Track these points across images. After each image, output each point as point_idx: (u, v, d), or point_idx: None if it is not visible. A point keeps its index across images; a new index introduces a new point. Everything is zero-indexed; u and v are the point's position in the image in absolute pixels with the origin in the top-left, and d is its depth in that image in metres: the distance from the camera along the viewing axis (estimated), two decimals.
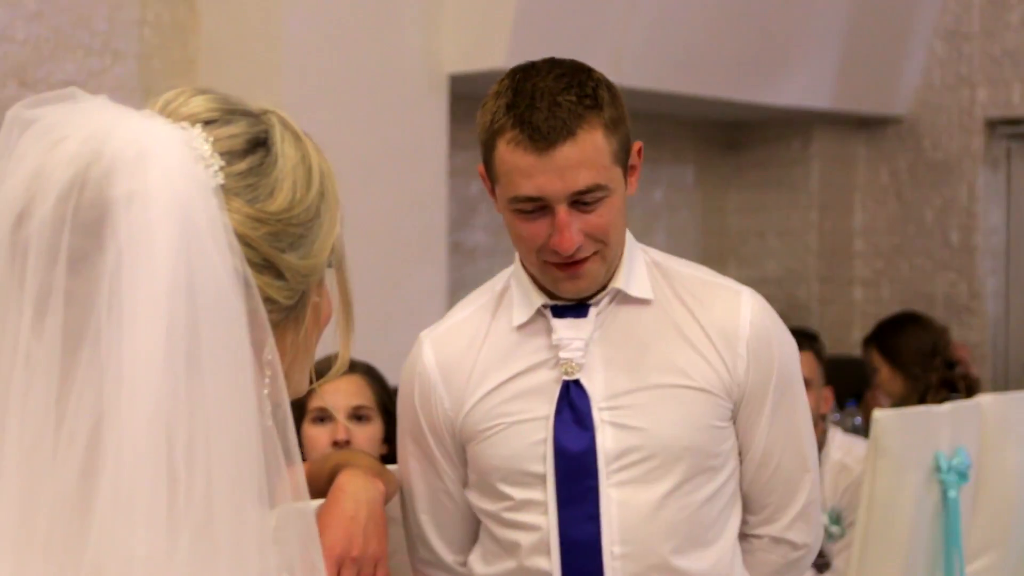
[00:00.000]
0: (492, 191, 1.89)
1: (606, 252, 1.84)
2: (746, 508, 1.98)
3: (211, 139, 1.00)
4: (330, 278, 1.10)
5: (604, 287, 1.89)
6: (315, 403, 2.52)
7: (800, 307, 6.33)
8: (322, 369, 1.17)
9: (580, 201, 1.80)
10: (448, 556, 1.99)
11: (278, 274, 1.03)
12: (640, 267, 1.92)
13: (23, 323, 0.93)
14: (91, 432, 0.91)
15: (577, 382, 1.86)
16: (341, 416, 2.55)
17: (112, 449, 0.90)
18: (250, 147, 1.03)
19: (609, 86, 1.85)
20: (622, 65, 5.18)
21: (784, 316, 2.05)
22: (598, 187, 1.80)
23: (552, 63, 1.84)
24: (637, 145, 1.89)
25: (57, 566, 0.91)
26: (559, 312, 1.89)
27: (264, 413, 0.96)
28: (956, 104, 6.37)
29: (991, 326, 6.38)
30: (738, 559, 1.97)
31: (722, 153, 6.68)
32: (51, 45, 4.33)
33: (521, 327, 1.90)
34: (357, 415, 2.58)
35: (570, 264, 1.82)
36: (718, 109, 5.87)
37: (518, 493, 1.88)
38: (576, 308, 1.89)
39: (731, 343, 1.89)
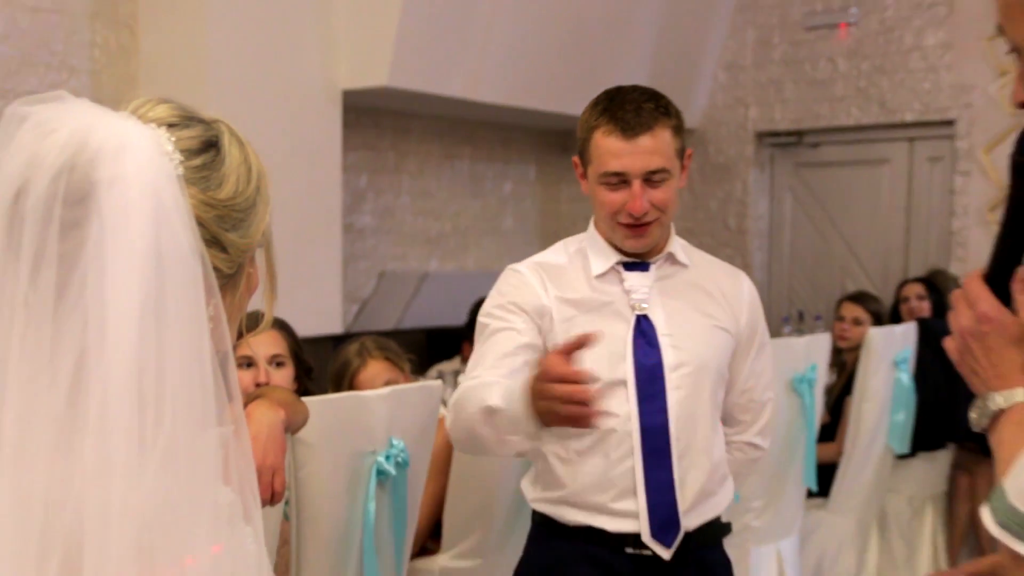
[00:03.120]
0: (583, 174, 2.07)
1: (663, 219, 2.04)
2: (725, 422, 2.16)
3: (173, 139, 0.99)
4: (259, 256, 1.11)
5: (660, 252, 2.08)
6: (241, 351, 2.50)
7: None
8: (248, 324, 1.17)
9: (650, 179, 2.00)
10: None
11: (222, 248, 1.03)
12: (679, 245, 2.14)
13: (21, 278, 0.91)
14: (76, 364, 0.91)
15: (646, 316, 2.04)
16: (262, 362, 2.53)
17: (97, 381, 0.90)
18: (204, 147, 1.03)
19: (675, 107, 2.04)
20: (480, 85, 5.21)
21: None
22: (664, 170, 2.00)
23: (635, 87, 2.04)
24: (689, 151, 2.09)
25: (49, 475, 0.90)
26: (628, 267, 2.07)
27: (212, 356, 0.96)
28: (734, 120, 6.54)
29: (758, 290, 6.58)
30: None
31: (557, 155, 6.75)
32: (17, 62, 4.19)
33: (599, 276, 2.06)
34: (275, 361, 2.56)
35: (638, 226, 2.02)
36: (555, 120, 5.92)
37: (603, 389, 1.98)
38: (641, 265, 2.08)
39: (738, 303, 2.14)
